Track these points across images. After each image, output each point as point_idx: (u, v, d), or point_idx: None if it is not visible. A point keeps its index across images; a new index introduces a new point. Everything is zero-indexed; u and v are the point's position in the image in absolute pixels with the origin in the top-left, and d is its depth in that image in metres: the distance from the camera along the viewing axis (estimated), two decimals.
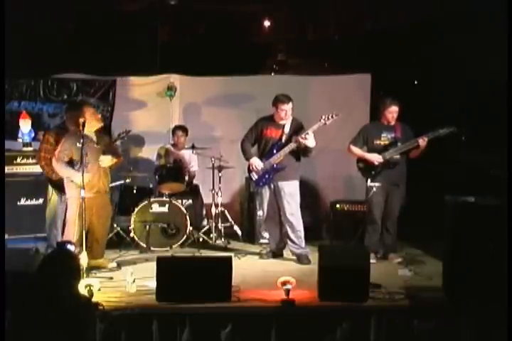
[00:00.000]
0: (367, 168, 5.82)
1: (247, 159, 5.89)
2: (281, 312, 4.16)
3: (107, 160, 5.46)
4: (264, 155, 5.84)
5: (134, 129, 6.83)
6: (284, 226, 5.87)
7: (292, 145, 5.70)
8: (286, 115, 5.75)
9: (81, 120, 5.21)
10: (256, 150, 5.98)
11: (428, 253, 6.07)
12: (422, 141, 5.62)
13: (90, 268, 5.15)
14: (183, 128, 7.16)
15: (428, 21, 7.11)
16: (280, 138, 5.80)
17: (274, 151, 5.78)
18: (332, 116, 5.65)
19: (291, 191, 5.80)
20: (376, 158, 5.74)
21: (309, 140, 5.61)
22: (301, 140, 5.60)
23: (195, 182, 7.19)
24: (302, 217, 5.87)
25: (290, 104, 5.73)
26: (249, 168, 5.90)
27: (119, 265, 5.56)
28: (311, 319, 4.10)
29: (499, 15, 5.39)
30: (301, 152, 5.80)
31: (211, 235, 6.67)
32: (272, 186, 5.85)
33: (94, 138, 5.47)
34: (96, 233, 5.50)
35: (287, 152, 5.73)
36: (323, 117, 5.66)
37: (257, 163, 5.81)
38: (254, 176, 5.87)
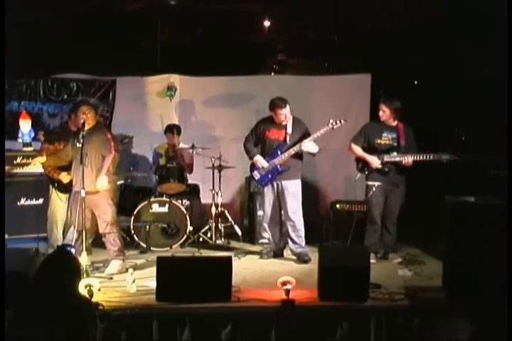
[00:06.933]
0: (366, 167, 5.80)
1: (251, 157, 5.88)
2: (281, 312, 4.16)
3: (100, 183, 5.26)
4: (267, 156, 5.83)
5: (134, 129, 6.83)
6: (285, 225, 5.87)
7: (296, 149, 5.71)
8: (285, 118, 5.77)
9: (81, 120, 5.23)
10: (259, 152, 5.96)
11: (428, 253, 6.06)
12: (407, 162, 5.63)
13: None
14: (173, 128, 7.00)
15: (428, 21, 7.11)
16: (284, 139, 5.81)
17: (279, 152, 5.77)
18: (340, 121, 5.66)
19: (294, 190, 5.81)
20: (375, 163, 5.72)
21: (311, 146, 5.67)
22: (303, 148, 5.66)
23: (195, 182, 7.18)
24: (302, 217, 5.87)
25: (287, 107, 5.72)
26: (251, 167, 5.90)
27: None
28: (311, 319, 4.10)
29: (499, 15, 5.39)
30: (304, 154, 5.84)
31: (211, 235, 6.67)
32: (275, 185, 5.85)
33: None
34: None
35: (292, 154, 5.74)
36: (331, 122, 5.67)
37: (261, 160, 5.80)
38: (257, 175, 5.87)
